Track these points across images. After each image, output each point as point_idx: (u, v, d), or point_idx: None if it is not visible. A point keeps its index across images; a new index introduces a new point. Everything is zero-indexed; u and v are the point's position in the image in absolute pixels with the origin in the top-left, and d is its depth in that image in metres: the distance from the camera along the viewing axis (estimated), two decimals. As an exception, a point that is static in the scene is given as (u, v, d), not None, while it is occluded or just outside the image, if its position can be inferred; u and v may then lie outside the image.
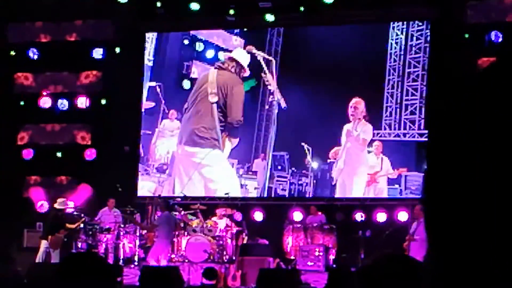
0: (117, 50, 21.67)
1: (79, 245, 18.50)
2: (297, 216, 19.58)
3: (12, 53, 22.12)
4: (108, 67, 21.71)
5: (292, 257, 18.44)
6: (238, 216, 19.56)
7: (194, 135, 20.30)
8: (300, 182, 20.46)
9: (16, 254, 19.27)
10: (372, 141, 19.84)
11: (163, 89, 21.62)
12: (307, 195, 20.44)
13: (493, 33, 18.72)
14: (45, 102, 22.05)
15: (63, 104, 22.03)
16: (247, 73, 20.44)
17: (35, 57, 22.09)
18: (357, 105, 19.88)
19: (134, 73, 21.59)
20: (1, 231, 18.94)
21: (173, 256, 17.97)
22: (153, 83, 21.75)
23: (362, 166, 19.91)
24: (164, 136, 21.58)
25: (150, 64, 22.13)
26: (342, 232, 18.64)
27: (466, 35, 18.88)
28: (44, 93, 22.12)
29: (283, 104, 20.14)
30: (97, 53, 21.79)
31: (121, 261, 18.14)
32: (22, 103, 22.11)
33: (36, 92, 22.23)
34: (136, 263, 18.05)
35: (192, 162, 20.42)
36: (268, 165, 20.64)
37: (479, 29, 18.84)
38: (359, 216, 19.15)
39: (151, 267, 16.11)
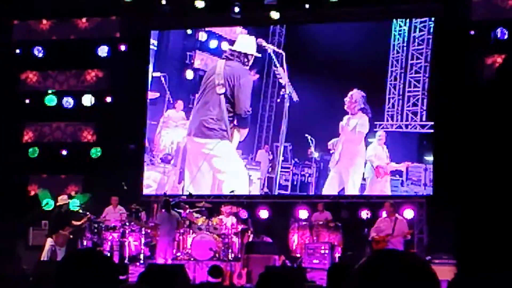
0: (122, 48, 21.65)
1: (85, 243, 18.50)
2: (303, 214, 19.55)
3: (17, 51, 22.11)
4: (113, 65, 21.70)
5: (298, 255, 18.42)
6: (244, 214, 19.51)
7: (203, 126, 20.39)
8: (303, 173, 20.44)
9: (22, 252, 19.27)
10: (375, 131, 19.82)
11: (167, 79, 21.59)
12: (310, 186, 20.41)
13: (498, 30, 18.66)
14: (50, 100, 22.03)
15: (68, 102, 22.01)
16: (255, 55, 20.48)
17: (40, 55, 22.08)
18: (352, 97, 19.88)
19: (140, 71, 21.57)
20: (6, 229, 18.94)
21: (178, 254, 17.96)
22: (158, 74, 21.70)
23: (359, 158, 19.89)
24: (168, 126, 21.53)
25: (153, 52, 22.08)
26: (347, 229, 18.60)
27: (472, 32, 18.82)
28: (49, 91, 22.11)
29: (295, 97, 20.16)
30: (102, 51, 21.77)
31: (126, 259, 18.14)
32: (27, 101, 22.10)
33: (41, 90, 22.23)
34: (141, 261, 18.03)
35: (201, 153, 20.48)
36: (280, 158, 20.56)
37: (484, 26, 18.78)
38: (364, 214, 19.09)
39: (156, 265, 16.10)
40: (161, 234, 17.77)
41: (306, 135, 20.08)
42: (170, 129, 21.51)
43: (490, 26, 18.73)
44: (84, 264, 2.96)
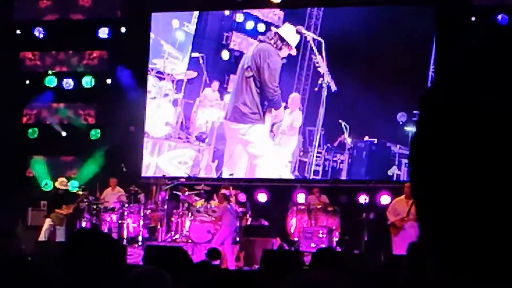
0: (123, 29, 21.63)
1: (83, 224, 18.53)
2: (301, 197, 19.51)
3: (18, 31, 22.09)
4: (113, 47, 21.68)
5: (296, 239, 18.45)
6: (242, 197, 19.50)
7: (236, 111, 20.47)
8: (335, 159, 20.37)
9: (21, 232, 19.31)
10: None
11: (205, 59, 21.51)
12: (342, 172, 20.40)
13: (500, 16, 18.66)
14: (51, 81, 22.03)
15: (68, 83, 22.00)
16: (292, 51, 20.30)
17: (41, 36, 22.05)
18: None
19: (140, 53, 21.55)
20: (5, 209, 18.98)
21: (176, 236, 18.00)
22: (196, 54, 21.55)
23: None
24: (204, 105, 21.46)
25: (192, 33, 21.89)
26: (346, 214, 18.63)
27: (473, 18, 18.81)
28: (50, 72, 22.11)
29: (333, 87, 19.92)
30: (103, 32, 21.74)
31: (124, 240, 18.18)
32: (27, 82, 22.10)
33: (41, 71, 22.22)
34: (140, 243, 18.08)
35: (237, 138, 20.61)
36: (316, 143, 20.45)
37: (486, 11, 18.77)
38: (363, 199, 19.08)
39: (155, 247, 16.13)
40: (223, 225, 17.37)
41: (340, 121, 19.97)
42: (206, 109, 21.47)
43: (491, 12, 18.73)
44: (88, 243, 2.98)
